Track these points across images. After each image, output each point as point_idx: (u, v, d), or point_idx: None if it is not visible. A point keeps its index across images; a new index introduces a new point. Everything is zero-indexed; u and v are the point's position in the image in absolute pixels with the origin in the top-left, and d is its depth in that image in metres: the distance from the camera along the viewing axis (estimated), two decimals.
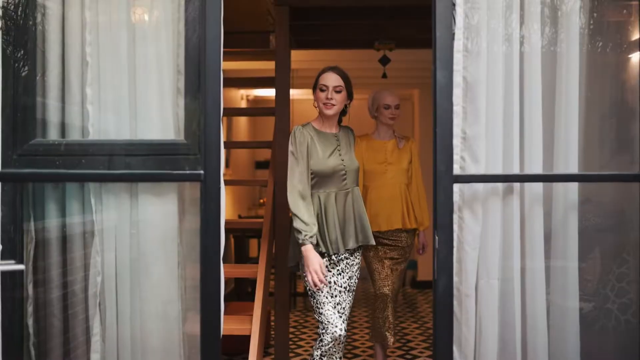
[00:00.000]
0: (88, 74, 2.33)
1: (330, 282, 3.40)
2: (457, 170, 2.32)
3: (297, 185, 3.27)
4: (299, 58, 5.82)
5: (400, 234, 4.25)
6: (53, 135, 2.35)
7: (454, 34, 2.26)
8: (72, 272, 2.39)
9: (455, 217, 2.32)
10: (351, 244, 3.38)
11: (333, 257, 3.40)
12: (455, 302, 2.33)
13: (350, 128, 3.59)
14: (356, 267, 3.51)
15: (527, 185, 2.41)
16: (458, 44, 2.29)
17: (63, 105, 2.36)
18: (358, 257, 3.52)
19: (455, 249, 2.31)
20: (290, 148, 3.33)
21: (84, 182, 2.35)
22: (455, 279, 2.31)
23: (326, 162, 3.32)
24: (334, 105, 3.30)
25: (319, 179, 3.33)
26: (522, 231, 2.42)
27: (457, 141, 2.31)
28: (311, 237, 3.23)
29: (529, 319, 2.43)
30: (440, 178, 2.25)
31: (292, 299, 6.87)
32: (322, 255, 3.34)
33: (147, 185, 2.34)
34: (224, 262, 2.27)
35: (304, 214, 3.23)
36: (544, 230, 2.42)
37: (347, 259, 3.45)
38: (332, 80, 3.32)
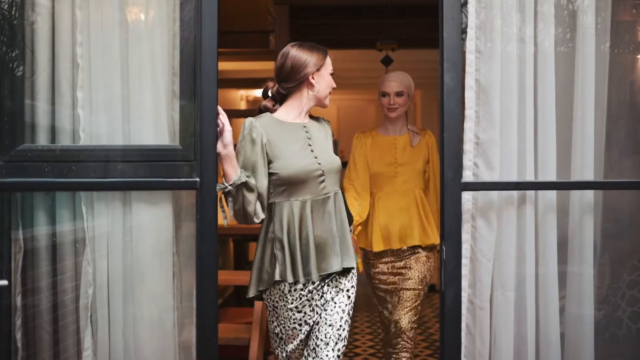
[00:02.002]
0: (79, 76, 2.28)
1: (298, 324, 2.51)
2: (470, 177, 2.28)
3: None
4: None
5: (415, 253, 3.40)
6: (42, 140, 2.29)
7: (462, 33, 2.22)
8: (62, 283, 2.35)
9: (468, 226, 2.29)
10: (335, 266, 2.46)
11: (307, 286, 2.47)
12: (468, 315, 2.31)
13: (324, 119, 2.73)
14: (338, 296, 2.53)
15: (541, 192, 2.36)
16: (470, 45, 2.26)
17: (53, 108, 2.30)
18: (345, 285, 2.55)
19: (468, 260, 2.29)
20: (239, 145, 2.48)
21: (73, 191, 2.30)
22: (469, 291, 2.30)
23: (296, 163, 2.45)
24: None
25: (288, 187, 2.46)
26: (537, 240, 2.37)
27: (470, 146, 2.28)
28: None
29: (542, 331, 2.38)
30: (448, 185, 2.22)
31: None
32: (292, 284, 2.46)
33: (141, 193, 2.29)
34: (223, 268, 2.21)
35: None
36: (559, 239, 2.38)
37: (317, 287, 2.49)
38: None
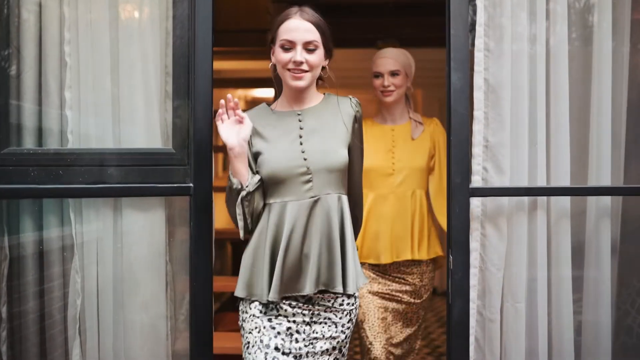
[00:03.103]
0: (67, 75, 2.23)
1: (268, 347, 2.08)
2: (479, 182, 2.23)
3: None
4: None
5: (411, 268, 2.87)
6: (28, 143, 2.23)
7: (469, 31, 2.18)
8: (50, 292, 2.29)
9: (477, 234, 2.24)
10: (308, 288, 2.05)
11: (282, 308, 2.09)
12: (477, 328, 2.26)
13: (351, 98, 2.25)
14: (330, 328, 2.10)
15: (553, 198, 2.30)
16: (479, 43, 2.20)
17: (40, 109, 2.26)
18: (335, 312, 2.12)
19: (478, 270, 2.25)
20: None
21: (60, 197, 2.25)
22: (478, 302, 2.25)
23: (274, 158, 2.09)
24: (306, 72, 2.09)
25: (268, 186, 2.11)
26: (549, 248, 2.31)
27: (478, 150, 2.22)
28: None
29: (556, 344, 2.32)
30: (455, 191, 2.17)
31: None
32: (266, 306, 2.10)
33: (132, 199, 2.24)
34: (220, 272, 2.14)
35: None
36: (573, 246, 2.32)
37: (304, 312, 2.09)
38: (301, 32, 2.08)
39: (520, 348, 2.27)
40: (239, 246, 6.52)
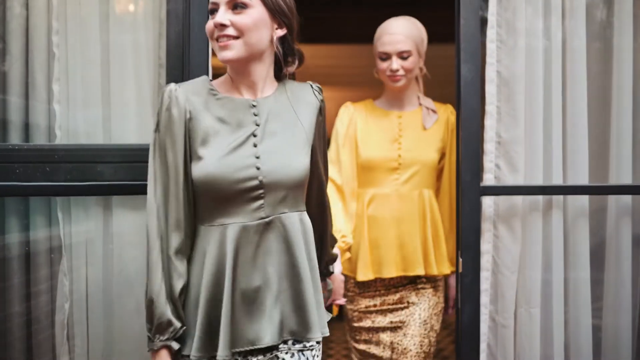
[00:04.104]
0: (55, 67, 2.18)
1: None
2: (491, 180, 2.17)
3: (158, 211, 1.61)
4: None
5: (416, 287, 2.46)
6: (14, 138, 2.19)
7: (481, 20, 2.12)
8: (36, 296, 2.23)
9: (489, 235, 2.18)
10: (268, 338, 1.60)
11: None
12: (490, 334, 2.21)
13: (313, 85, 1.80)
14: None
15: (570, 197, 2.24)
16: (491, 33, 2.15)
17: (26, 103, 2.21)
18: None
19: (490, 273, 2.19)
20: (154, 133, 1.64)
21: (46, 195, 2.18)
22: (490, 307, 2.20)
23: (217, 165, 1.58)
24: (235, 38, 1.60)
25: (205, 199, 1.62)
26: (565, 250, 2.25)
27: (490, 146, 2.16)
28: (174, 333, 1.59)
29: (573, 352, 2.27)
30: (466, 190, 2.11)
31: None
32: None
33: (123, 197, 2.17)
34: None
35: (165, 278, 1.60)
36: (591, 248, 2.26)
37: None
38: None
39: (534, 355, 2.22)
40: None
